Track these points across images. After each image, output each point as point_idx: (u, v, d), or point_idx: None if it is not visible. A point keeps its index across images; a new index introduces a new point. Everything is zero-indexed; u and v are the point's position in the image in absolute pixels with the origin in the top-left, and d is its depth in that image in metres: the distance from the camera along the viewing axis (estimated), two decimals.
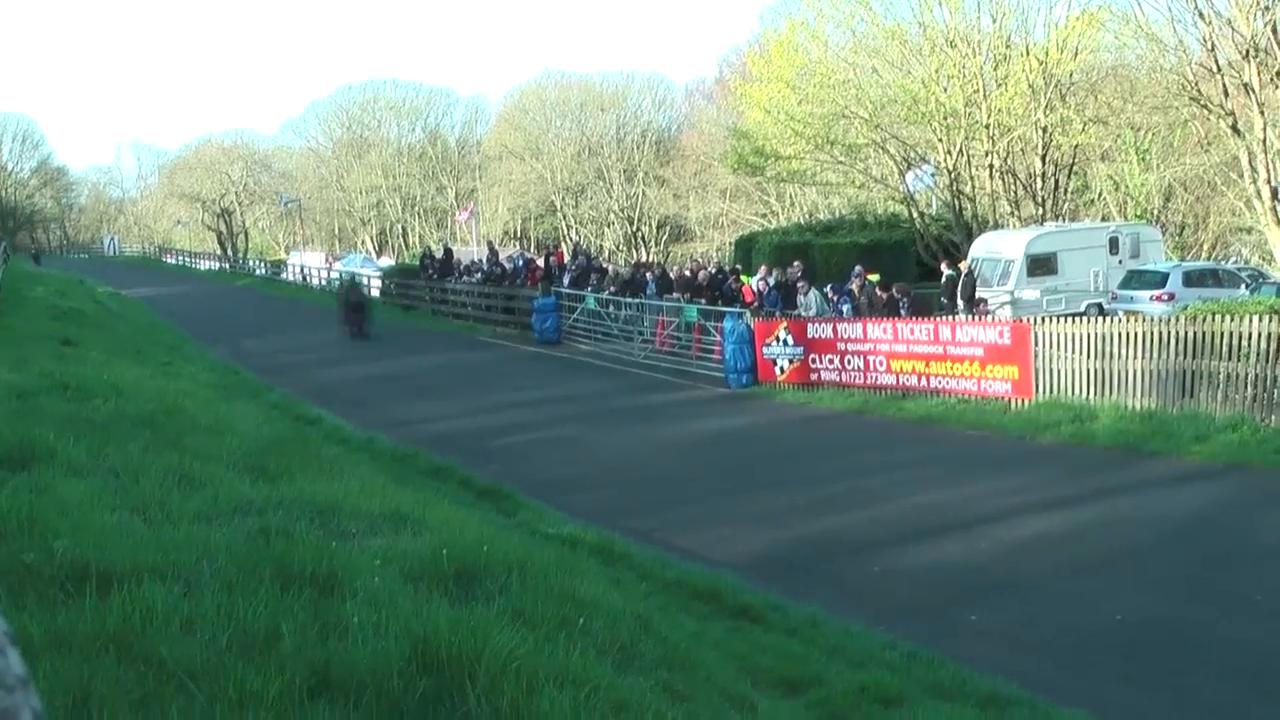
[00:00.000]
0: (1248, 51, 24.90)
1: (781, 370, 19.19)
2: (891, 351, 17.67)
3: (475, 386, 21.02)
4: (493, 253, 33.50)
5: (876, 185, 36.80)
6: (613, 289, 26.20)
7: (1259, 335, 13.53)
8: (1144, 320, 15.53)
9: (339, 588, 4.44)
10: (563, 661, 4.04)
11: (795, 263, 25.66)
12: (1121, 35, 29.20)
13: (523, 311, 28.27)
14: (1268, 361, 13.43)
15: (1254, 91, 25.03)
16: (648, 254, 58.77)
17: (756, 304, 22.00)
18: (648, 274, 26.69)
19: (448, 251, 37.36)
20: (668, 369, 22.08)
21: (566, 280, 27.94)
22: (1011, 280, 24.30)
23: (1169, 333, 14.52)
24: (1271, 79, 25.15)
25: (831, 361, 18.52)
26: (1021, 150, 33.36)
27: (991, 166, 32.17)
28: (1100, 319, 16.82)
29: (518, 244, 63.27)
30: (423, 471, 12.76)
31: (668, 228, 63.36)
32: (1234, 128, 25.76)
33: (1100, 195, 37.18)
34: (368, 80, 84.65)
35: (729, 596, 8.29)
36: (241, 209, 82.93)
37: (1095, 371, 15.29)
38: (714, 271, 25.37)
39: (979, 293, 22.75)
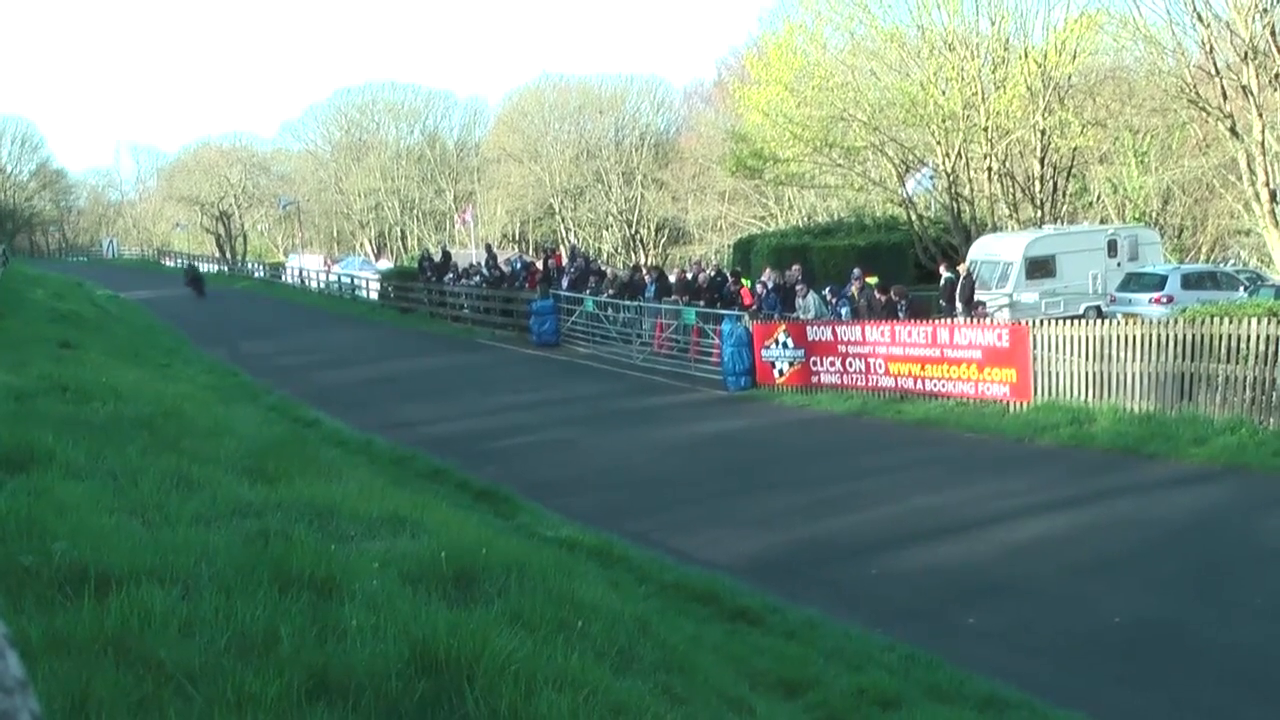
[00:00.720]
0: (1246, 54, 24.93)
1: (781, 373, 19.19)
2: (890, 354, 17.68)
3: (473, 389, 21.02)
4: (491, 255, 33.49)
5: (875, 188, 36.81)
6: (611, 291, 26.20)
7: (1257, 338, 13.54)
8: (1142, 323, 15.53)
9: (337, 590, 4.44)
10: (561, 664, 4.04)
11: (794, 265, 25.65)
12: (1119, 38, 29.24)
13: (521, 314, 28.27)
14: (1266, 364, 13.44)
15: (1252, 94, 25.06)
16: (646, 257, 58.77)
17: (755, 307, 22.00)
18: (646, 276, 26.70)
19: (445, 253, 37.37)
20: (666, 371, 22.08)
21: (565, 283, 27.94)
22: (1010, 283, 24.31)
23: (1167, 335, 14.53)
24: (1270, 82, 25.18)
25: (831, 364, 18.53)
26: (1020, 153, 33.38)
27: (990, 169, 32.19)
28: (1099, 321, 16.82)
29: (516, 247, 63.28)
30: (421, 474, 12.75)
31: (666, 230, 63.37)
32: (1232, 130, 25.79)
33: (1099, 198, 37.21)
34: (366, 83, 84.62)
35: (727, 599, 8.29)
36: (240, 212, 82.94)
37: (1094, 374, 15.29)
38: (713, 274, 25.37)
39: (977, 295, 22.76)
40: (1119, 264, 25.34)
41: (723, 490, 12.65)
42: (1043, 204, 32.90)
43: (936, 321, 18.27)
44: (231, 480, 6.75)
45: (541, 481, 13.14)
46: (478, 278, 32.09)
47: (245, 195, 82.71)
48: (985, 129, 31.52)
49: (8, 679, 1.12)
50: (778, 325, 19.60)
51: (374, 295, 40.30)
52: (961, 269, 23.81)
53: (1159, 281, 23.25)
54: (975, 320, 18.58)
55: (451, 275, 33.67)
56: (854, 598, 8.83)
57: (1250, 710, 6.72)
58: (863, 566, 9.62)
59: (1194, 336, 14.22)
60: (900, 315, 19.69)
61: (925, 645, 7.50)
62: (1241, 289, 23.28)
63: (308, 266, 52.20)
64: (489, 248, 36.71)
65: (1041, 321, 17.07)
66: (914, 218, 34.46)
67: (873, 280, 22.97)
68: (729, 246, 48.21)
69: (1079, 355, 15.48)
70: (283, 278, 53.29)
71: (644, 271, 27.54)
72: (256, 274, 59.31)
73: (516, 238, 69.55)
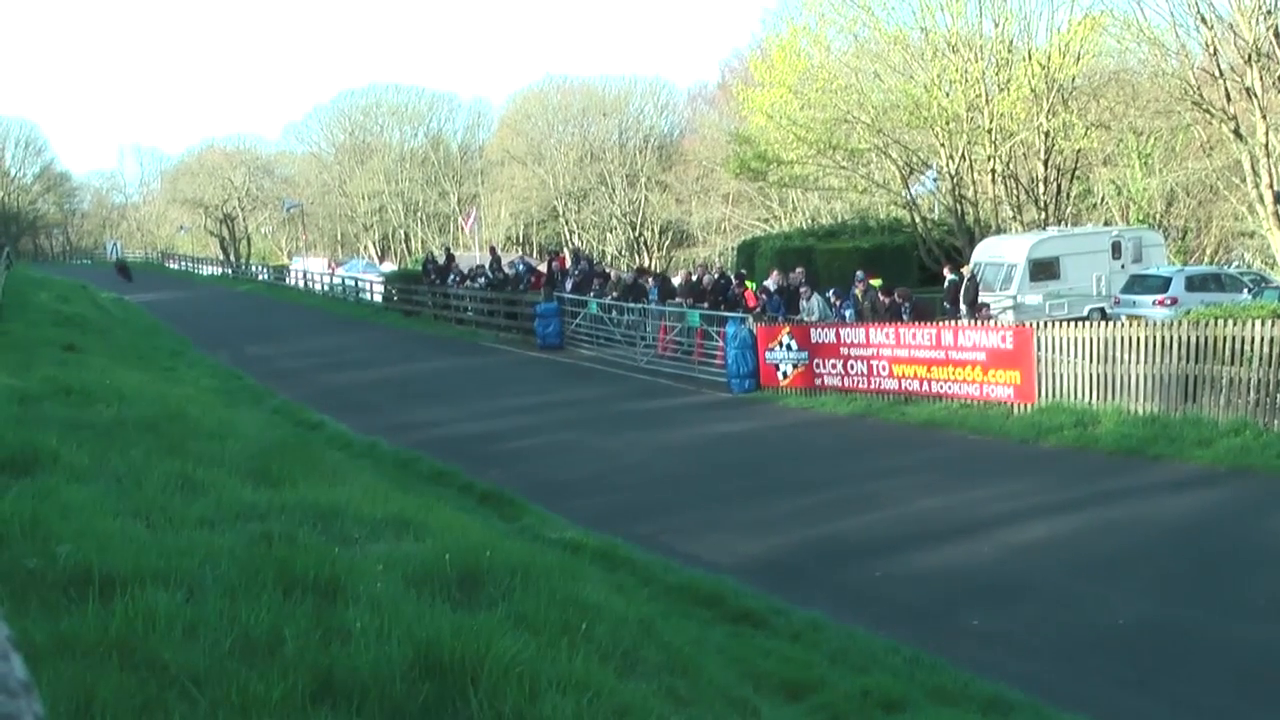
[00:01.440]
0: (1250, 56, 24.92)
1: (785, 375, 19.18)
2: (894, 356, 17.67)
3: (477, 391, 21.02)
4: (495, 258, 33.50)
5: (879, 190, 36.81)
6: (615, 294, 26.20)
7: (1261, 340, 13.51)
8: (1147, 325, 15.51)
9: (341, 593, 4.45)
10: (565, 667, 4.04)
11: (797, 268, 25.67)
12: (1123, 40, 29.23)
13: (525, 317, 28.27)
14: (1270, 366, 13.41)
15: (1256, 96, 25.04)
16: (650, 259, 58.76)
17: (759, 309, 22.00)
18: (650, 279, 26.70)
19: (448, 254, 37.39)
20: (670, 374, 22.07)
21: (569, 285, 27.94)
22: (1014, 285, 24.30)
23: (1171, 337, 14.50)
24: (1274, 83, 25.17)
25: (835, 366, 18.51)
26: (1024, 155, 33.37)
27: (994, 171, 32.18)
28: (1103, 324, 16.81)
29: (520, 249, 63.29)
30: (425, 476, 12.76)
31: (670, 233, 63.37)
32: (1236, 132, 25.77)
33: (1102, 200, 37.18)
34: (370, 85, 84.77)
35: (731, 601, 8.28)
36: (244, 214, 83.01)
37: (1098, 376, 15.27)
38: (716, 277, 25.38)
39: (981, 297, 22.76)
40: (1123, 266, 25.32)
41: (727, 492, 12.65)
42: (1046, 206, 32.89)
43: (940, 323, 18.25)
44: (236, 483, 6.75)
45: (545, 484, 13.14)
46: (481, 280, 32.10)
47: (249, 198, 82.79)
48: (989, 131, 31.52)
49: (12, 682, 1.12)
50: (781, 327, 19.60)
51: (378, 298, 40.31)
52: (965, 271, 23.80)
53: (1163, 283, 23.23)
54: (979, 322, 18.56)
55: (454, 277, 33.67)
56: (858, 600, 8.83)
57: (1255, 712, 6.71)
58: (867, 568, 9.61)
59: (1198, 339, 14.19)
60: (905, 317, 19.68)
61: (929, 647, 7.49)
62: (1245, 291, 23.25)
63: (311, 269, 52.23)
64: (493, 250, 36.72)
65: (1046, 323, 17.05)
66: (918, 220, 34.45)
67: (876, 282, 22.96)
68: (733, 249, 48.21)
69: (1083, 357, 15.46)
70: (286, 280, 53.32)
71: (646, 277, 27.49)
72: (260, 277, 59.35)
73: (520, 240, 69.57)
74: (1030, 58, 31.16)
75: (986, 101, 31.39)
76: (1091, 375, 15.34)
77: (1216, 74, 25.68)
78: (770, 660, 6.82)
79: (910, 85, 32.55)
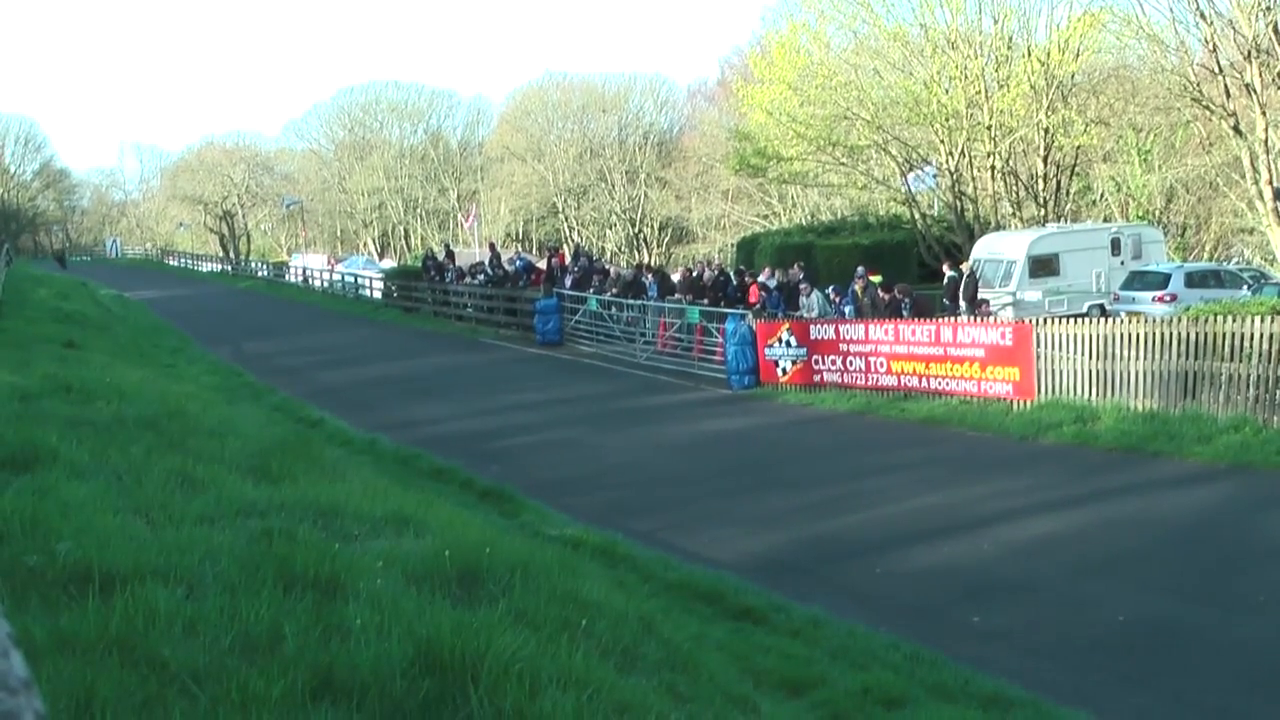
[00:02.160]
0: (1249, 52, 24.91)
1: (784, 371, 19.19)
2: (893, 353, 17.67)
3: (477, 388, 21.02)
4: (495, 254, 33.48)
5: (878, 186, 36.80)
6: (614, 291, 26.20)
7: (1261, 336, 13.52)
8: (1146, 321, 15.52)
9: (341, 590, 4.44)
10: (565, 663, 4.04)
11: (797, 264, 25.68)
12: (1123, 36, 29.23)
13: (525, 313, 28.27)
14: (1270, 362, 13.42)
15: (1256, 92, 25.03)
16: (650, 255, 58.74)
17: (759, 305, 22.01)
18: (649, 275, 26.70)
19: (448, 251, 37.40)
20: (670, 370, 22.08)
21: (569, 282, 27.94)
22: (1013, 281, 24.29)
23: (1171, 334, 14.51)
24: (1273, 80, 25.15)
25: (834, 363, 18.52)
26: (1023, 151, 33.37)
27: (993, 168, 32.17)
28: (1102, 320, 16.80)
29: (519, 246, 63.26)
30: (425, 473, 12.77)
31: (670, 229, 63.35)
32: (1236, 129, 25.76)
33: (1102, 196, 37.16)
34: (369, 82, 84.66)
35: (732, 598, 8.29)
36: (244, 211, 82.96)
37: (1097, 372, 15.27)
38: (716, 274, 25.38)
39: (981, 294, 22.75)
40: (1122, 262, 25.31)
41: (727, 489, 12.65)
42: (1046, 202, 32.89)
43: (940, 320, 18.25)
44: (235, 480, 6.75)
45: (545, 481, 13.15)
46: (481, 277, 32.08)
47: (249, 195, 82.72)
48: (989, 127, 31.51)
49: (12, 679, 1.12)
50: (781, 324, 19.60)
51: (378, 295, 40.31)
52: (965, 267, 23.79)
53: (1162, 280, 23.22)
54: (979, 319, 18.56)
55: (452, 274, 33.64)
56: (858, 596, 8.84)
57: (1255, 708, 6.72)
58: (867, 565, 9.62)
59: (1197, 335, 14.20)
60: (905, 314, 19.69)
61: (929, 644, 7.50)
62: (1245, 287, 23.23)
63: (311, 266, 52.20)
64: (493, 246, 36.70)
65: (1045, 320, 17.05)
66: (917, 216, 34.44)
67: (876, 279, 22.97)
68: (732, 245, 48.20)
69: (1082, 354, 15.46)
70: (286, 277, 53.29)
71: (645, 273, 27.49)
72: (260, 273, 59.31)
73: (520, 237, 69.55)
74: (1030, 54, 31.16)
75: (986, 98, 31.39)
76: (1091, 372, 15.35)
77: (1216, 70, 25.67)
78: (770, 657, 6.83)
79: (910, 82, 32.55)
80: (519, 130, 69.07)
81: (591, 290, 26.78)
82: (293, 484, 6.96)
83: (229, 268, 66.50)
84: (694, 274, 25.47)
